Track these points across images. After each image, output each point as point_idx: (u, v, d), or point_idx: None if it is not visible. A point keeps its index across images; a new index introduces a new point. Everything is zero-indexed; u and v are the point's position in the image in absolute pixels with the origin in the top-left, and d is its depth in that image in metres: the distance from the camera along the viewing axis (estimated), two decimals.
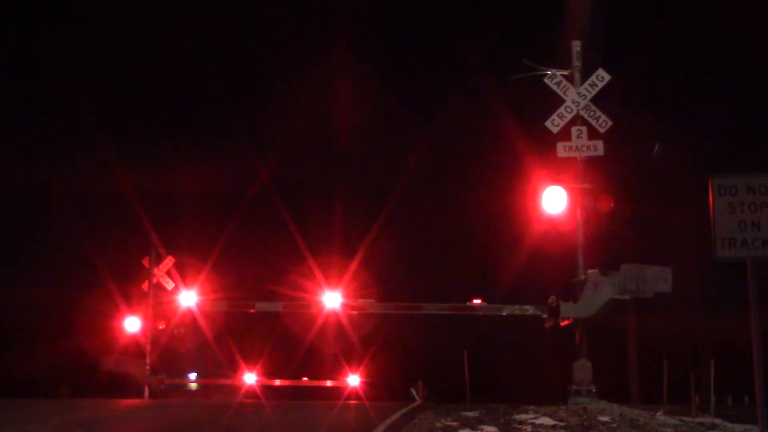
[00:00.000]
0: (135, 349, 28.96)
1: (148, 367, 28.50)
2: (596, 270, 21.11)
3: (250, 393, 33.41)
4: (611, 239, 22.58)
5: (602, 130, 21.36)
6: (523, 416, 16.97)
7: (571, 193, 21.21)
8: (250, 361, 35.59)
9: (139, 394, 28.32)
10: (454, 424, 16.01)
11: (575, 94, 21.47)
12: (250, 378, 34.16)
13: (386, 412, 18.22)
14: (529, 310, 23.80)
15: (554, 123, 21.43)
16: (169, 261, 30.73)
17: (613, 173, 21.65)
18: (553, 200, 21.19)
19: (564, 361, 21.76)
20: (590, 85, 21.53)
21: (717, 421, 18.14)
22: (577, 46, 21.91)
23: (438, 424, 15.94)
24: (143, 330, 28.67)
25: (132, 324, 28.75)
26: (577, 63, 21.79)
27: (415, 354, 42.65)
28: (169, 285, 30.30)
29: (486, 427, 15.61)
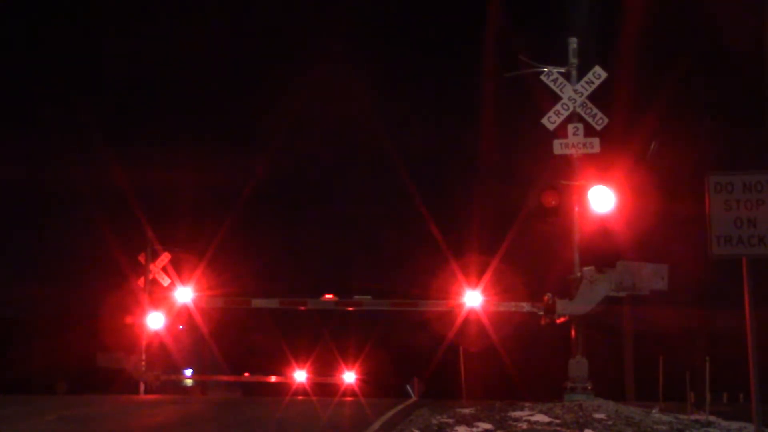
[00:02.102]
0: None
1: (143, 364, 28.51)
2: (592, 267, 21.13)
3: (246, 389, 33.43)
4: (608, 236, 22.58)
5: (599, 128, 21.37)
6: (518, 413, 16.99)
7: (568, 189, 21.21)
8: (245, 357, 35.61)
9: (135, 390, 28.32)
10: (450, 420, 16.03)
11: (572, 92, 21.48)
12: (245, 374, 34.17)
13: (382, 408, 18.24)
14: (525, 307, 23.82)
15: (550, 120, 21.44)
16: (165, 257, 30.74)
17: (609, 170, 21.65)
18: (550, 197, 21.18)
19: (560, 358, 21.77)
20: (587, 83, 21.53)
21: (712, 418, 18.17)
22: (573, 43, 21.90)
23: (434, 421, 15.96)
24: (138, 326, 28.64)
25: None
26: (573, 60, 21.79)
27: (411, 351, 42.64)
28: (165, 281, 30.32)
29: (482, 424, 15.63)
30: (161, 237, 30.90)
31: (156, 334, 28.57)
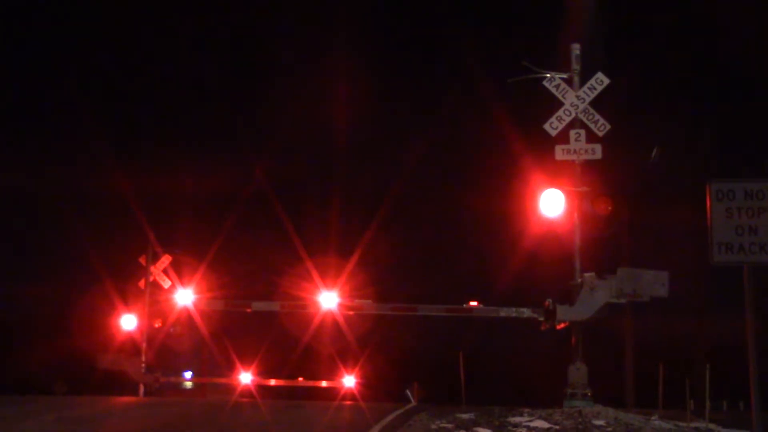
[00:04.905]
0: (131, 346, 28.97)
1: (143, 365, 28.51)
2: (593, 273, 21.10)
3: (246, 392, 33.41)
4: (608, 243, 22.58)
5: (601, 134, 21.35)
6: (518, 419, 16.98)
7: (569, 196, 21.21)
8: (246, 360, 35.60)
9: (135, 392, 28.32)
10: (449, 426, 16.02)
11: (574, 97, 21.47)
12: (245, 377, 34.16)
13: (381, 413, 18.22)
14: (526, 312, 23.79)
15: (553, 126, 21.42)
16: (165, 259, 30.76)
17: (612, 176, 21.65)
18: (551, 203, 21.19)
19: (560, 364, 21.76)
20: (589, 89, 21.52)
21: (712, 426, 18.15)
22: (576, 49, 21.90)
23: (433, 426, 15.95)
24: (139, 328, 28.68)
25: (128, 322, 28.74)
26: (576, 66, 21.78)
27: (411, 355, 42.64)
28: (166, 283, 30.33)
29: (481, 429, 15.62)
30: (162, 239, 30.93)
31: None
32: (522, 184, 22.62)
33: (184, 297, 27.10)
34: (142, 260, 30.29)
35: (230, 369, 35.18)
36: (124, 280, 30.80)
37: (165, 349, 29.86)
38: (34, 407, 18.20)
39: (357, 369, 35.84)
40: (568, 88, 21.61)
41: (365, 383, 35.58)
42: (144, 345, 28.45)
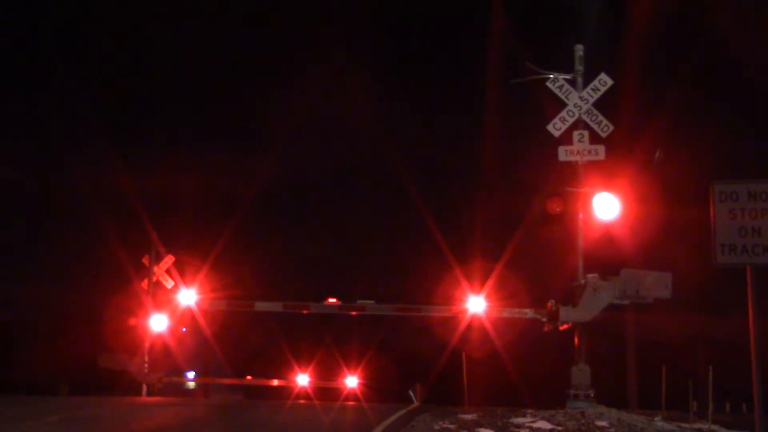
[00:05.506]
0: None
1: (146, 366, 28.50)
2: (596, 274, 21.10)
3: (251, 392, 33.45)
4: (612, 244, 22.54)
5: (604, 135, 21.35)
6: (520, 419, 16.98)
7: (572, 197, 21.19)
8: (249, 361, 35.63)
9: (138, 392, 28.33)
10: (452, 426, 16.02)
11: (577, 98, 21.47)
12: (247, 377, 34.19)
13: (384, 413, 18.23)
14: (529, 313, 23.78)
15: (556, 127, 21.43)
16: (168, 260, 30.76)
17: (615, 177, 21.63)
18: (555, 204, 21.17)
19: (562, 365, 21.74)
20: (592, 89, 21.52)
21: (715, 427, 18.15)
22: (579, 50, 21.90)
23: (435, 427, 15.95)
24: (142, 328, 28.66)
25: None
26: (579, 67, 21.78)
27: (413, 356, 42.58)
28: (169, 283, 30.34)
29: (483, 430, 15.62)
30: (165, 239, 30.94)
31: (159, 336, 28.59)
32: (526, 184, 22.63)
33: (187, 297, 27.07)
34: (145, 260, 30.32)
35: (233, 369, 35.21)
36: (128, 280, 30.81)
37: (168, 349, 29.86)
38: (37, 408, 18.21)
39: (360, 369, 35.84)
40: (571, 89, 21.61)
41: (368, 384, 35.57)
42: (147, 345, 28.44)
